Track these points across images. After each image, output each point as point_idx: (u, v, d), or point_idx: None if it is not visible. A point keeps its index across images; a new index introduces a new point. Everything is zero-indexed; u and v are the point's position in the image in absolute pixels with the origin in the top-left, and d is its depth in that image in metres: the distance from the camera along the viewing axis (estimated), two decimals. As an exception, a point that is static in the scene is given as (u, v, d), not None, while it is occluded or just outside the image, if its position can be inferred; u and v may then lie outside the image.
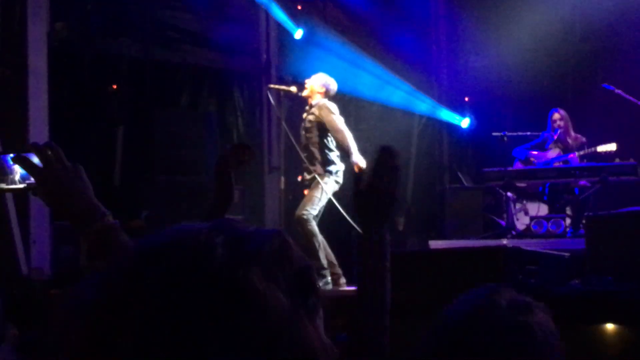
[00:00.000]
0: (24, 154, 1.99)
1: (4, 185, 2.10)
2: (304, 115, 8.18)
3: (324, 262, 7.73)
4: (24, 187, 2.09)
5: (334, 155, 8.02)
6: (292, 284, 0.95)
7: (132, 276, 0.92)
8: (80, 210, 1.97)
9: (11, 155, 2.06)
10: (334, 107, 8.08)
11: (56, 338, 0.93)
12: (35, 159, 1.97)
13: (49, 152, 1.96)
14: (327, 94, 8.14)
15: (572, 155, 9.77)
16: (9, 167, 2.09)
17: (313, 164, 7.97)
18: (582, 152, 9.72)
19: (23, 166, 1.99)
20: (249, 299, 0.90)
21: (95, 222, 1.95)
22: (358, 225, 2.39)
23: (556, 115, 9.97)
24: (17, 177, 2.09)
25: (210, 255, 0.92)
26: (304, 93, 8.18)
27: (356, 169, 7.87)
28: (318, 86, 8.15)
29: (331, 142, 8.02)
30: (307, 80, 8.25)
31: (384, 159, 2.26)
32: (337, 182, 7.99)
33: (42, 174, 1.96)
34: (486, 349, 1.59)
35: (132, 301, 0.90)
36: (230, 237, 0.95)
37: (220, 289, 0.90)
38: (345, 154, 7.99)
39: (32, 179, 2.01)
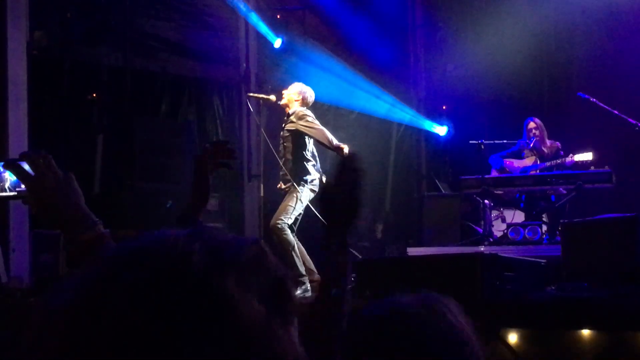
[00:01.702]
0: (15, 161, 1.97)
1: None
2: (283, 124, 8.23)
3: (302, 269, 7.75)
4: (15, 195, 2.07)
5: (310, 165, 8.06)
6: (267, 292, 0.95)
7: (107, 280, 0.91)
8: (71, 219, 1.95)
9: (1, 162, 2.06)
10: (309, 112, 8.13)
11: (32, 340, 0.92)
12: (27, 167, 1.95)
13: (40, 160, 1.95)
14: (304, 102, 8.18)
15: (548, 164, 9.88)
16: None
17: (290, 173, 8.01)
18: (559, 161, 9.81)
19: (14, 173, 1.98)
20: (224, 306, 0.90)
21: (86, 231, 1.94)
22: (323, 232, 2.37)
23: (532, 124, 10.06)
24: (6, 185, 2.07)
25: (187, 261, 0.92)
26: (281, 102, 8.23)
27: (342, 154, 7.90)
28: (294, 94, 8.18)
29: (307, 153, 8.06)
30: (283, 91, 8.30)
31: (346, 161, 2.24)
32: (312, 190, 8.02)
33: (33, 181, 1.95)
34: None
35: (107, 304, 0.89)
36: (207, 244, 0.95)
37: (195, 295, 0.89)
38: (328, 149, 8.04)
39: (22, 187, 1.99)
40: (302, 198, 7.91)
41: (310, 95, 8.25)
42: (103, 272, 0.94)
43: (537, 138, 10.00)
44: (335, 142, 7.95)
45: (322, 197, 2.27)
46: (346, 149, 7.87)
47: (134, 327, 0.88)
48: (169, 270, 0.91)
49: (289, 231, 7.78)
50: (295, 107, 8.12)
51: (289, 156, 8.05)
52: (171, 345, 0.87)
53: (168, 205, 9.03)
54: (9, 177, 2.05)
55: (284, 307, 0.97)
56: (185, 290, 0.90)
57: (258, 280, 0.95)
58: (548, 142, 10.09)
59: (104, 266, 0.95)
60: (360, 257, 8.16)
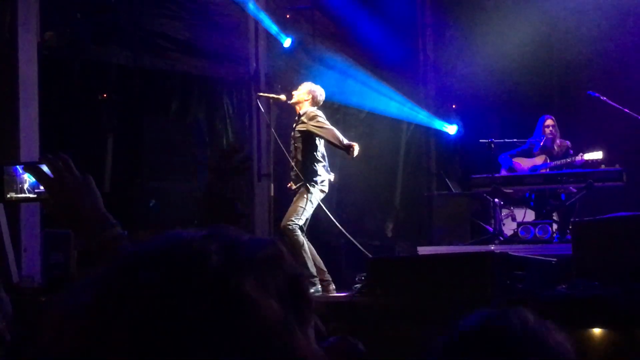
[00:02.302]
0: (35, 164, 2.00)
1: (13, 195, 2.12)
2: (294, 125, 8.24)
3: (313, 270, 7.78)
4: (35, 197, 2.10)
5: (320, 165, 8.08)
6: (284, 292, 0.95)
7: (125, 281, 0.92)
8: (90, 220, 1.97)
9: (21, 165, 2.09)
10: (320, 112, 8.14)
11: (49, 340, 0.92)
12: (46, 169, 1.98)
13: (60, 163, 1.97)
14: (314, 101, 8.19)
15: (559, 162, 9.86)
16: (18, 176, 2.11)
17: (300, 174, 8.03)
18: (569, 160, 9.78)
19: (34, 175, 2.00)
20: (242, 307, 0.90)
21: (103, 232, 1.95)
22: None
23: (549, 121, 10.04)
24: (26, 186, 2.11)
25: (204, 262, 0.92)
26: (291, 101, 8.24)
27: (352, 152, 7.92)
28: (304, 94, 8.19)
29: (318, 153, 8.08)
30: (294, 92, 8.31)
31: None
32: (322, 191, 8.05)
33: (53, 183, 1.97)
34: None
35: (126, 306, 0.89)
36: (224, 245, 0.95)
37: (213, 296, 0.90)
38: (339, 148, 8.04)
39: (41, 188, 2.02)
40: (312, 199, 7.93)
41: (320, 94, 8.25)
42: (119, 273, 0.94)
43: (552, 136, 9.99)
44: (345, 141, 7.96)
45: None
46: (356, 148, 7.88)
47: (152, 329, 0.88)
48: (186, 271, 0.92)
49: (299, 232, 7.80)
50: (305, 107, 8.13)
51: (300, 157, 8.07)
52: (190, 346, 0.88)
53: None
54: (28, 179, 2.08)
55: (301, 307, 0.97)
56: (203, 290, 0.90)
57: (275, 281, 0.95)
58: (558, 140, 10.08)
59: (120, 267, 0.95)
60: (370, 255, 8.16)
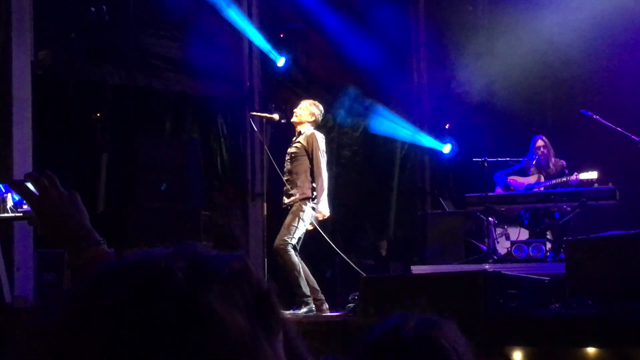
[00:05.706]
0: (19, 182, 1.98)
1: None
2: (293, 138, 8.24)
3: (306, 290, 7.75)
4: (20, 216, 2.08)
5: (313, 184, 8.07)
6: (251, 307, 0.96)
7: (92, 299, 0.94)
8: (75, 237, 1.94)
9: (4, 184, 2.07)
10: (322, 141, 8.13)
11: (21, 356, 0.94)
12: (31, 187, 1.96)
13: (44, 180, 1.95)
14: (315, 122, 8.24)
15: (553, 181, 9.88)
16: (1, 195, 2.09)
17: (293, 191, 8.02)
18: (564, 179, 9.80)
19: (19, 192, 1.98)
20: (208, 321, 0.91)
21: (89, 249, 1.93)
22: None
23: (540, 142, 10.07)
24: (9, 205, 2.09)
25: (170, 277, 0.94)
26: (293, 120, 8.25)
27: (319, 217, 7.97)
28: (307, 115, 8.20)
29: (310, 172, 8.08)
30: (295, 110, 8.32)
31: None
32: (314, 209, 8.04)
33: (38, 200, 1.95)
34: None
35: (91, 324, 0.91)
36: (190, 262, 0.97)
37: (178, 313, 0.91)
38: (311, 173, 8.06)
39: (25, 206, 2.01)
40: (305, 217, 7.92)
41: (320, 114, 8.31)
42: (86, 291, 0.96)
43: (545, 156, 10.01)
44: (323, 200, 7.97)
45: None
46: (326, 213, 8.00)
47: (116, 346, 0.89)
48: (151, 287, 0.93)
49: (292, 252, 7.78)
50: (306, 128, 8.15)
51: (294, 173, 8.07)
52: None
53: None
54: (11, 198, 2.06)
55: (269, 320, 0.99)
56: (169, 306, 0.92)
57: (242, 295, 0.97)
58: (553, 159, 10.10)
59: (88, 286, 0.97)
60: (364, 274, 8.14)
